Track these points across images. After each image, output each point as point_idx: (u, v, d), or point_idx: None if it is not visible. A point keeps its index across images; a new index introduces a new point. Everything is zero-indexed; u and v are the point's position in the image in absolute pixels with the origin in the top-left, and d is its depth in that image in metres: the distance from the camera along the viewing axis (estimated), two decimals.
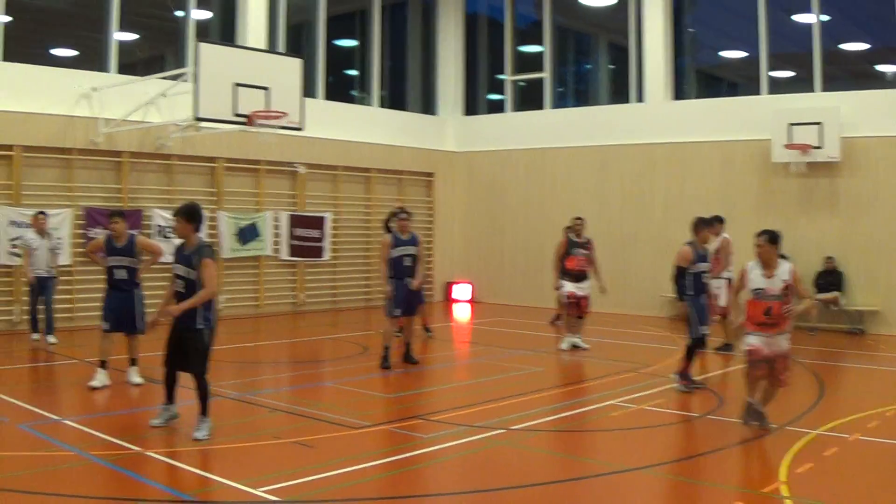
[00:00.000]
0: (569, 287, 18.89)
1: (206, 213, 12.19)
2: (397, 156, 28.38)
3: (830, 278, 22.52)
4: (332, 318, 24.90)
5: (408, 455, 10.61)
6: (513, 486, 9.30)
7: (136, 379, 14.51)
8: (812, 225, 23.03)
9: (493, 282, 29.30)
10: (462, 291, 29.54)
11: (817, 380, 15.75)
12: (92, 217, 21.21)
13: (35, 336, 18.86)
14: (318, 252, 25.78)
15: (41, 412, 12.44)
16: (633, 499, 9.26)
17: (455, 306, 28.61)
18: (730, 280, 17.72)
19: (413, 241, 16.68)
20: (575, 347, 18.82)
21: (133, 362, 14.64)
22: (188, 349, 10.98)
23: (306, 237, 25.43)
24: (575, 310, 19.00)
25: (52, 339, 18.86)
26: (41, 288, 18.77)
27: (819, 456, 10.36)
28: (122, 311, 14.45)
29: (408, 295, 16.55)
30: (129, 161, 22.11)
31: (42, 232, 18.87)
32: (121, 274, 14.48)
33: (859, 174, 22.61)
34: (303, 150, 25.20)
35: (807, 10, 24.02)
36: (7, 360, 17.30)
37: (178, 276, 11.04)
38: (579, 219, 18.97)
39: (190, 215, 11.14)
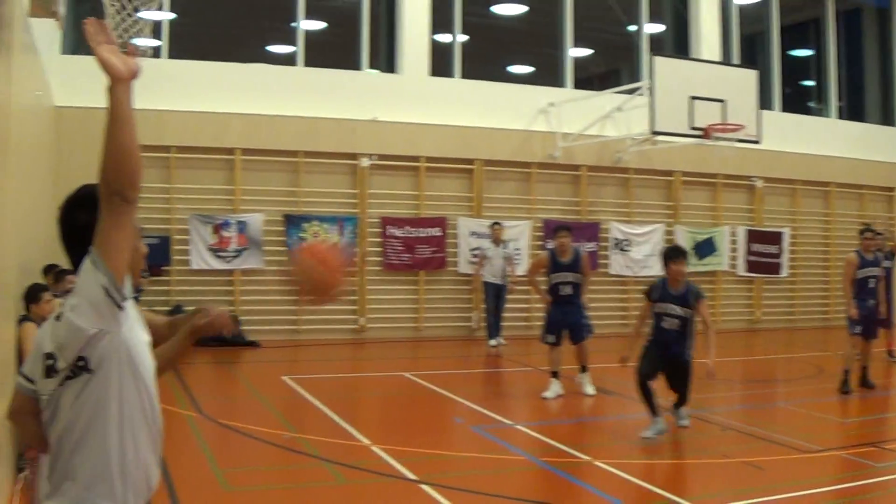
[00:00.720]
0: None
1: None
2: (857, 169, 27.29)
3: None
4: (789, 336, 24.27)
5: (857, 484, 10.17)
6: None
7: (589, 389, 14.57)
8: None
9: None
10: None
11: None
12: (550, 229, 21.68)
13: (493, 342, 19.52)
14: (775, 268, 25.23)
15: (495, 416, 12.84)
16: None
17: None
18: None
19: (876, 262, 15.64)
20: None
21: (584, 369, 14.71)
22: (681, 374, 11.57)
23: (763, 253, 24.97)
24: None
25: (496, 341, 19.48)
26: (496, 295, 19.47)
27: None
28: (565, 324, 14.58)
29: (870, 316, 15.58)
30: (587, 174, 22.49)
31: (498, 241, 19.55)
32: (566, 290, 14.56)
33: None
34: (760, 164, 24.72)
35: None
36: (464, 364, 17.97)
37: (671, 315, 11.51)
38: None
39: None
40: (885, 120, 29.56)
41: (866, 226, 16.37)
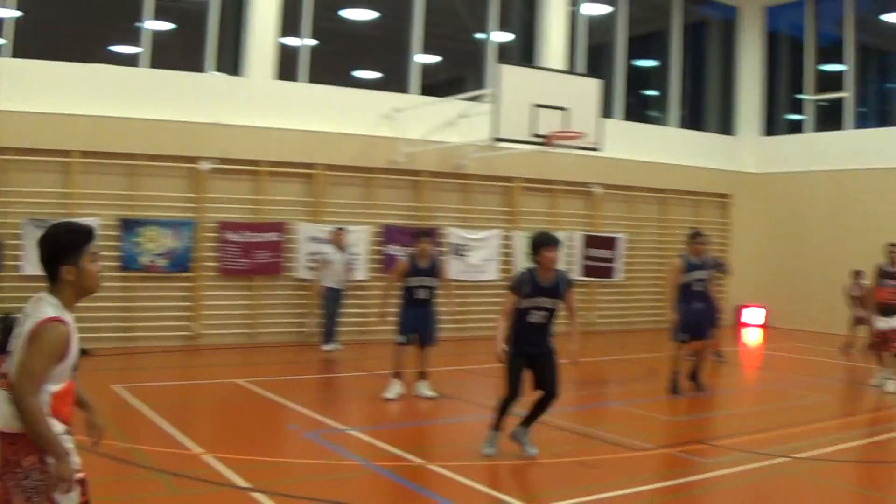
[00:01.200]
0: (879, 323, 17.04)
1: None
2: (693, 177, 28.00)
3: None
4: (623, 338, 24.72)
5: (687, 480, 10.49)
6: None
7: (428, 392, 14.82)
8: None
9: (787, 306, 28.50)
10: (754, 315, 28.91)
11: None
12: (389, 234, 21.81)
13: (328, 347, 19.65)
14: (609, 272, 25.71)
15: (329, 422, 12.91)
16: None
17: (745, 330, 28.06)
18: None
19: (703, 266, 16.07)
20: (881, 386, 16.84)
21: (423, 376, 14.96)
22: (549, 368, 10.99)
23: (599, 257, 25.41)
24: (882, 347, 17.07)
25: (331, 346, 19.69)
26: (335, 300, 19.61)
27: None
28: (418, 325, 14.85)
29: (695, 318, 15.88)
30: (428, 180, 22.64)
31: (340, 246, 19.66)
32: (422, 294, 14.82)
33: None
34: (599, 171, 25.17)
35: None
36: (299, 370, 17.99)
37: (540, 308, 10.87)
38: (894, 244, 17.62)
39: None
40: (724, 129, 30.32)
41: (695, 230, 16.70)
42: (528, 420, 11.02)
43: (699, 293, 15.92)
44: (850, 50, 28.06)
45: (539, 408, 10.97)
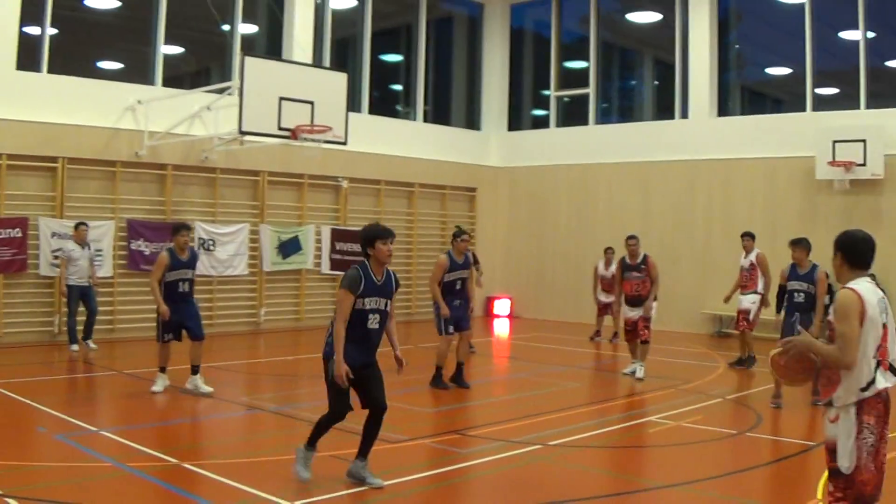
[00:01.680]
0: (628, 313, 17.71)
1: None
2: (440, 171, 28.40)
3: None
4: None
5: (444, 470, 10.57)
6: (549, 502, 9.25)
7: (205, 388, 14.62)
8: None
9: (532, 297, 29.23)
10: (502, 306, 29.48)
11: None
12: (134, 229, 21.32)
13: (74, 347, 19.14)
14: None
15: (79, 423, 12.48)
16: None
17: (496, 321, 28.58)
18: (763, 295, 18.45)
19: (466, 265, 16.16)
20: (633, 374, 17.54)
21: (196, 370, 14.71)
22: (379, 377, 9.76)
23: (348, 251, 25.39)
24: (632, 336, 17.73)
25: (78, 346, 19.27)
26: (81, 298, 19.15)
27: None
28: (182, 322, 14.64)
29: (456, 314, 16.04)
30: (173, 174, 22.21)
31: (83, 242, 19.16)
32: (184, 287, 14.67)
33: None
34: (346, 165, 25.26)
35: (852, 26, 23.90)
36: (47, 370, 17.45)
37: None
38: (633, 237, 18.11)
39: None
40: (470, 124, 30.79)
41: (459, 228, 16.60)
42: (366, 449, 9.69)
43: (459, 291, 16.08)
44: (593, 48, 28.81)
45: (374, 428, 9.67)
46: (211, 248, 22.41)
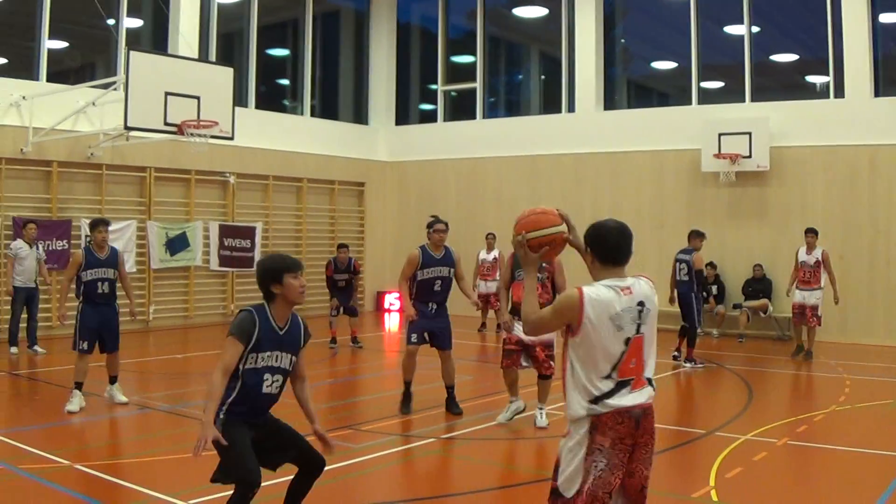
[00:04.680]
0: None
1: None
2: (329, 165, 28.34)
3: (759, 286, 22.83)
4: None
5: (338, 465, 10.53)
6: (442, 494, 9.30)
7: (121, 397, 13.80)
8: (741, 233, 23.33)
9: None
10: (393, 301, 29.49)
11: (746, 386, 15.92)
12: (19, 227, 20.96)
13: (14, 350, 18.83)
14: (248, 262, 25.43)
15: None
16: None
17: (386, 316, 28.58)
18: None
19: (447, 261, 14.68)
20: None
21: (114, 380, 13.88)
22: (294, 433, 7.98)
23: (237, 247, 25.26)
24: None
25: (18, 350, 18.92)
26: (27, 301, 19.02)
27: (748, 461, 10.48)
28: (103, 328, 13.58)
29: (430, 322, 14.50)
30: (58, 170, 21.85)
31: (31, 242, 19.06)
32: (104, 288, 13.60)
33: (788, 183, 22.93)
34: (234, 160, 25.12)
35: (737, 21, 24.34)
36: None
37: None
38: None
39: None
40: (357, 119, 30.75)
41: (434, 217, 14.99)
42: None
43: (437, 293, 14.84)
44: (480, 42, 28.93)
45: (305, 486, 8.00)
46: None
